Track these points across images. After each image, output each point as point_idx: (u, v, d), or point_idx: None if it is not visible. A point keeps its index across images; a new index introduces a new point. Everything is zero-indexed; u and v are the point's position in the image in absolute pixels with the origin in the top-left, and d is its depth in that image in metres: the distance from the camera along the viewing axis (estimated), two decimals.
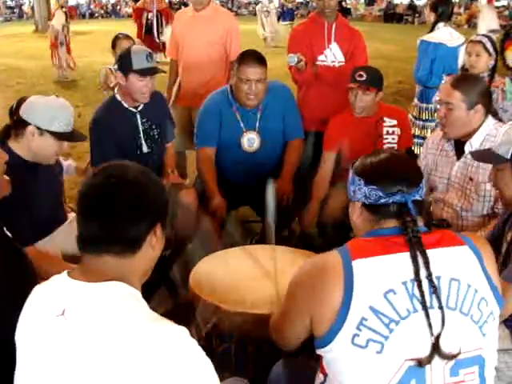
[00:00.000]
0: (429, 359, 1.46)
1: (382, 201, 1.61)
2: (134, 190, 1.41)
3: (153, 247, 1.45)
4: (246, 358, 2.25)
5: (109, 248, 1.39)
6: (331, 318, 1.50)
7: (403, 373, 1.46)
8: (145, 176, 1.47)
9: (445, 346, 1.47)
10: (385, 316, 1.47)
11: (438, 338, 1.47)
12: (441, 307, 1.49)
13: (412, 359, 1.46)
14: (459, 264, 1.57)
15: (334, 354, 1.52)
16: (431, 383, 1.48)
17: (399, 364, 1.46)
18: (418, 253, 1.52)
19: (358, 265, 1.52)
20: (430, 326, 1.47)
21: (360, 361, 1.47)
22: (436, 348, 1.46)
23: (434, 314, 1.48)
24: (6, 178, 2.30)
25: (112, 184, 1.40)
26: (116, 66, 3.52)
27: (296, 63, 3.90)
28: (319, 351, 1.57)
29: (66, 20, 11.74)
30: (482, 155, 2.31)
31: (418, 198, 1.63)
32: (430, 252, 1.53)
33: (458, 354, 1.49)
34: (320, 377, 1.64)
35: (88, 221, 1.40)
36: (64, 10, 12.05)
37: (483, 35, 4.68)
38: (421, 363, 1.46)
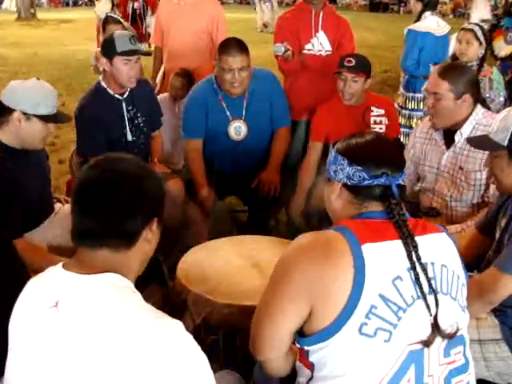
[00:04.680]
0: (432, 339, 1.47)
1: (366, 183, 1.56)
2: (132, 184, 1.39)
3: (148, 242, 1.44)
4: (234, 350, 2.23)
5: (105, 242, 1.38)
6: (339, 306, 1.43)
7: (404, 358, 1.45)
8: (142, 169, 1.46)
9: (443, 326, 1.48)
10: (393, 304, 1.45)
11: (436, 318, 1.47)
12: (435, 293, 1.49)
13: (414, 343, 1.46)
14: (444, 250, 1.59)
15: (334, 347, 1.45)
16: (428, 365, 1.48)
17: (402, 350, 1.45)
18: (409, 239, 1.50)
19: (367, 249, 1.46)
20: (428, 309, 1.48)
21: (365, 350, 1.43)
22: (436, 328, 1.47)
23: (431, 299, 1.49)
24: None
25: (109, 178, 1.38)
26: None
27: (283, 53, 3.85)
28: (313, 347, 1.49)
29: (112, 8, 11.29)
30: (479, 142, 2.29)
31: (401, 182, 1.60)
32: (419, 239, 1.52)
33: (456, 332, 1.52)
34: (304, 371, 1.56)
35: (84, 215, 1.38)
36: None
37: (475, 24, 4.70)
38: (427, 344, 1.47)
